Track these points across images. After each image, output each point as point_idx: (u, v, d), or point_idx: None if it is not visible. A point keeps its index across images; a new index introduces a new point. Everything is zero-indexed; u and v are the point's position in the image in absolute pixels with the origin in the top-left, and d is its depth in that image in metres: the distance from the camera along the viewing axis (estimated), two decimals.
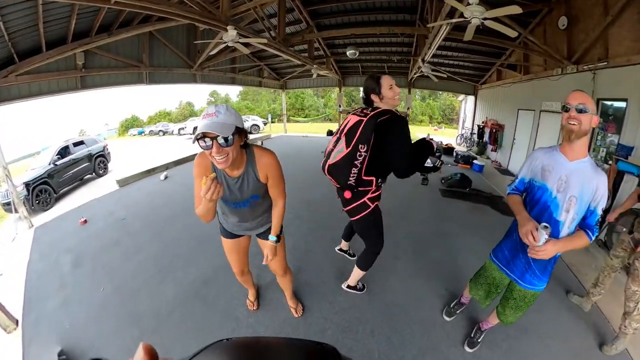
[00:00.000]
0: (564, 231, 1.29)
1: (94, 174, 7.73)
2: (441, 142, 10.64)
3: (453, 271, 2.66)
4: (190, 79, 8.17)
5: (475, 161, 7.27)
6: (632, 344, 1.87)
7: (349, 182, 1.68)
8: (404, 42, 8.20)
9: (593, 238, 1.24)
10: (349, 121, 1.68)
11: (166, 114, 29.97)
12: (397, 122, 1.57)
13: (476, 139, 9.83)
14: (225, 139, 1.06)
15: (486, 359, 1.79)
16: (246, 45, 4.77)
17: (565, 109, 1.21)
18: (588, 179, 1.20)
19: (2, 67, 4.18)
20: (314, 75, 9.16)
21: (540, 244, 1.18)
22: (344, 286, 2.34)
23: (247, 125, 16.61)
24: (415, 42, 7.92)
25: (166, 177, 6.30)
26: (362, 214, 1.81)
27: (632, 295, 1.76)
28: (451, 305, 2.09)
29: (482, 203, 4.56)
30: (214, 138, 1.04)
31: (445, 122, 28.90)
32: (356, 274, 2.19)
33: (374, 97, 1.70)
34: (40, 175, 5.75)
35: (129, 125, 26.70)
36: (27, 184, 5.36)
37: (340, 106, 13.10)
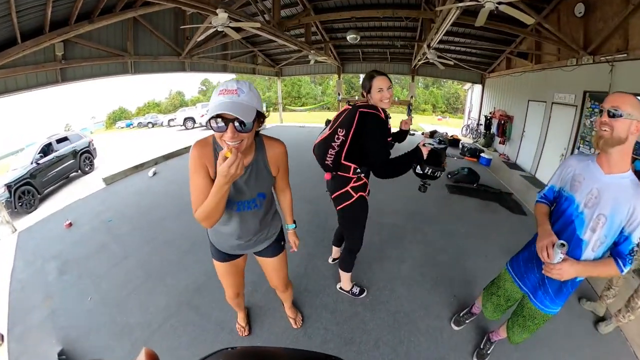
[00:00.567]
0: (587, 253, 1.19)
1: (79, 171, 7.64)
2: (446, 133, 10.57)
3: (462, 276, 2.64)
4: (178, 68, 7.99)
5: (482, 154, 7.22)
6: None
7: (326, 162, 1.83)
8: (408, 26, 8.02)
9: (624, 270, 1.12)
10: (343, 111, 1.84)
11: (155, 104, 29.68)
12: (375, 120, 1.66)
13: (483, 131, 9.76)
14: (244, 124, 0.94)
15: None
16: (238, 30, 4.64)
17: (600, 112, 1.11)
18: (625, 198, 1.08)
19: None
20: (312, 62, 9.00)
21: (555, 262, 1.13)
22: (337, 287, 2.45)
23: None
24: (420, 27, 7.75)
25: (155, 174, 6.22)
26: (345, 204, 1.91)
27: None
28: (461, 314, 2.07)
29: (490, 200, 4.54)
30: (231, 120, 0.93)
31: (450, 112, 28.77)
32: (343, 277, 2.32)
33: (364, 92, 1.83)
34: (23, 176, 5.66)
35: (117, 117, 26.49)
36: (8, 186, 5.28)
37: (339, 94, 12.92)
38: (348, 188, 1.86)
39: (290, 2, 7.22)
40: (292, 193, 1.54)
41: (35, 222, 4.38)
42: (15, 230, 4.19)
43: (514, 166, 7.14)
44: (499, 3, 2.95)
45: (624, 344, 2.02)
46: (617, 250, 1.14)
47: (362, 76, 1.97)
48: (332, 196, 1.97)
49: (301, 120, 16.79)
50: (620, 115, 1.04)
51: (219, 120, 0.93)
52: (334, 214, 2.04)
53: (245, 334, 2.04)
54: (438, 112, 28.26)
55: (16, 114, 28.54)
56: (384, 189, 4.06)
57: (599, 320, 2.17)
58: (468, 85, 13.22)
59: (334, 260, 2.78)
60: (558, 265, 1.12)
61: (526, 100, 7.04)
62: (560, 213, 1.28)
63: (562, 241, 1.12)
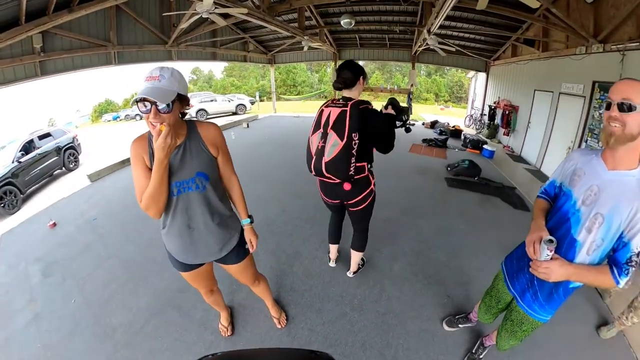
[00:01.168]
0: (581, 256, 1.11)
1: (63, 168, 7.65)
2: (447, 123, 10.54)
3: (457, 276, 2.64)
4: (165, 57, 7.96)
5: (485, 146, 7.20)
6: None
7: (350, 173, 1.81)
8: (408, 10, 7.92)
9: (620, 282, 1.01)
10: (329, 114, 1.80)
11: None
12: (374, 110, 1.84)
13: (487, 121, 9.74)
14: (165, 105, 1.11)
15: None
16: (225, 16, 4.59)
17: (607, 105, 1.00)
18: (627, 198, 0.98)
19: None
20: (305, 48, 8.92)
21: (542, 259, 1.08)
22: (349, 274, 2.56)
23: (232, 105, 16.30)
24: (420, 11, 7.67)
25: None
26: (368, 201, 2.05)
27: None
28: (456, 317, 2.07)
29: (492, 194, 4.56)
30: (153, 103, 1.09)
31: (453, 101, 28.62)
32: (356, 257, 2.46)
33: (350, 87, 1.90)
34: (4, 175, 5.64)
35: (103, 110, 26.35)
36: None
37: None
38: (372, 187, 2.01)
39: None
40: (239, 184, 1.55)
41: (19, 224, 4.40)
42: None
43: (519, 158, 7.16)
44: None
45: (627, 349, 1.98)
46: (613, 258, 1.05)
47: (362, 64, 2.04)
48: (353, 201, 2.02)
49: (296, 110, 16.70)
50: (634, 109, 0.92)
51: (146, 103, 1.09)
52: (323, 209, 2.07)
53: (228, 334, 2.07)
54: (441, 102, 28.09)
55: None
56: (378, 181, 4.03)
57: (601, 324, 2.12)
58: (472, 73, 13.12)
59: (335, 262, 2.74)
60: (545, 264, 1.07)
61: (532, 90, 7.02)
62: (557, 209, 1.22)
63: (550, 237, 1.07)
